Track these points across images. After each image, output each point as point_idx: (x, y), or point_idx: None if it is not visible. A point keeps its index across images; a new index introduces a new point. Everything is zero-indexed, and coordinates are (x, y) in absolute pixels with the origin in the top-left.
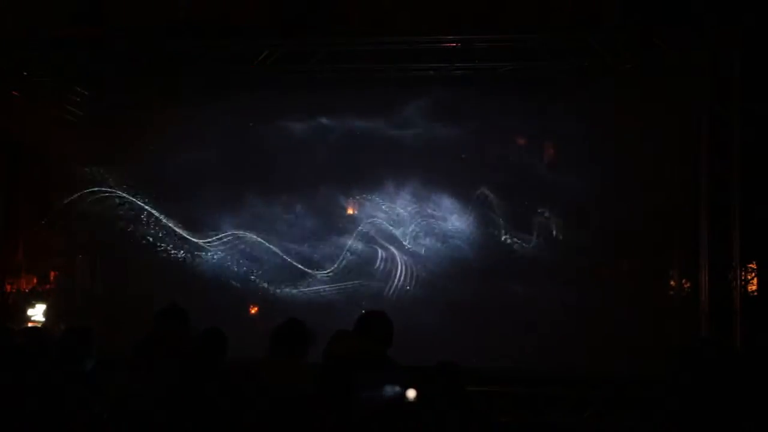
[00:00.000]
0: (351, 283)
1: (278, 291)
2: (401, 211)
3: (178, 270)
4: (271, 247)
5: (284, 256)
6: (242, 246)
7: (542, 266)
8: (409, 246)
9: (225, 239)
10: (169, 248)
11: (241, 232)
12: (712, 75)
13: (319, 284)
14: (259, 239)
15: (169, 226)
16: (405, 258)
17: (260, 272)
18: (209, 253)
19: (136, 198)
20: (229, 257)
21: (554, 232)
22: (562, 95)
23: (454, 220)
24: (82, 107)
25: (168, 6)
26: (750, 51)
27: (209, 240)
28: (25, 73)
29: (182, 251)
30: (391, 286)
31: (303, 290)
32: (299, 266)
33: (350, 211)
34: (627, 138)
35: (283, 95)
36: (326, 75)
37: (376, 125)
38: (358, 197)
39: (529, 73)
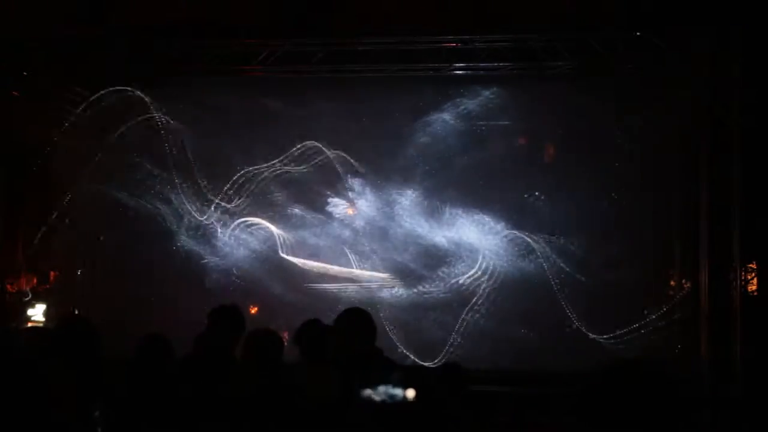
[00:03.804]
0: None
1: None
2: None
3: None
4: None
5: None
6: (247, 237)
7: (541, 266)
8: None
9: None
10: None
11: (255, 223)
12: (712, 75)
13: None
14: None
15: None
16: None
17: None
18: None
19: (137, 197)
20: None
21: (552, 232)
22: (562, 95)
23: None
24: (82, 107)
25: (168, 6)
26: (750, 51)
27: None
28: (25, 73)
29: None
30: None
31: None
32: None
33: (350, 212)
34: (627, 138)
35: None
36: (326, 75)
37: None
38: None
39: (529, 73)
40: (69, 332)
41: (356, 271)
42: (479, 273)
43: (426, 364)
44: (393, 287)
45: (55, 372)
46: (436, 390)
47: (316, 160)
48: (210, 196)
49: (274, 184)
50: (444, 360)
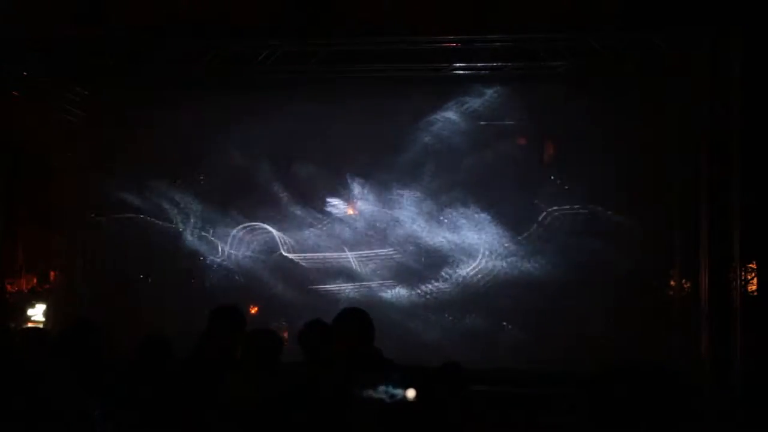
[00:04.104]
0: None
1: None
2: None
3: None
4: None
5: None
6: (247, 237)
7: (541, 266)
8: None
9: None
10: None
11: (255, 222)
12: (712, 75)
13: None
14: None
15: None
16: None
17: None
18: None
19: (138, 197)
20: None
21: (553, 233)
22: (562, 95)
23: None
24: (82, 107)
25: (168, 6)
26: (750, 51)
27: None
28: (25, 73)
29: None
30: None
31: None
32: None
33: (350, 212)
34: (627, 138)
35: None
36: (326, 75)
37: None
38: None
39: (529, 73)
40: (74, 333)
41: (357, 270)
42: (479, 273)
43: (426, 364)
44: (393, 287)
45: (58, 372)
46: (436, 390)
47: (317, 161)
48: (211, 197)
49: (275, 185)
50: (444, 360)
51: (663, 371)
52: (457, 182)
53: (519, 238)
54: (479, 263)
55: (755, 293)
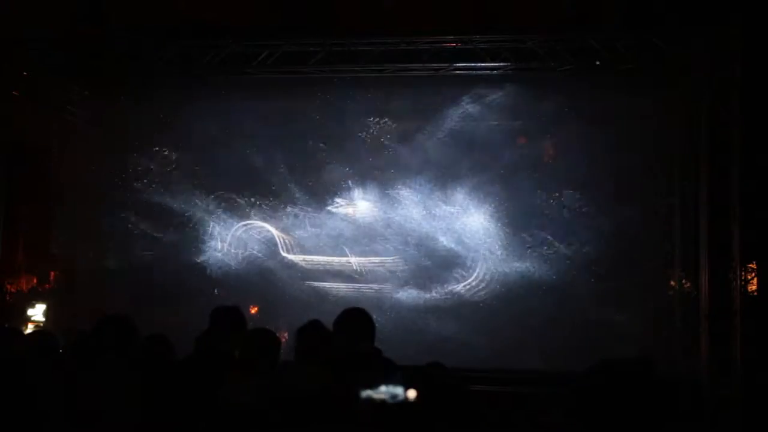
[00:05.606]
0: None
1: None
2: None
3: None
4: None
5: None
6: (246, 237)
7: (540, 266)
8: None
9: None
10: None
11: (255, 222)
12: (712, 75)
13: None
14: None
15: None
16: None
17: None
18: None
19: (138, 196)
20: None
21: (552, 232)
22: (562, 95)
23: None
24: (82, 107)
25: (168, 6)
26: (750, 51)
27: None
28: (25, 73)
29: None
30: None
31: None
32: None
33: (351, 213)
34: (627, 138)
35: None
36: (326, 75)
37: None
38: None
39: (529, 73)
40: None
41: (357, 271)
42: (480, 274)
43: (424, 364)
44: (394, 288)
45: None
46: (425, 389)
47: (317, 161)
48: (211, 197)
49: (275, 185)
50: (429, 360)
51: (656, 369)
52: (457, 182)
53: (518, 238)
54: (480, 264)
55: (755, 293)
